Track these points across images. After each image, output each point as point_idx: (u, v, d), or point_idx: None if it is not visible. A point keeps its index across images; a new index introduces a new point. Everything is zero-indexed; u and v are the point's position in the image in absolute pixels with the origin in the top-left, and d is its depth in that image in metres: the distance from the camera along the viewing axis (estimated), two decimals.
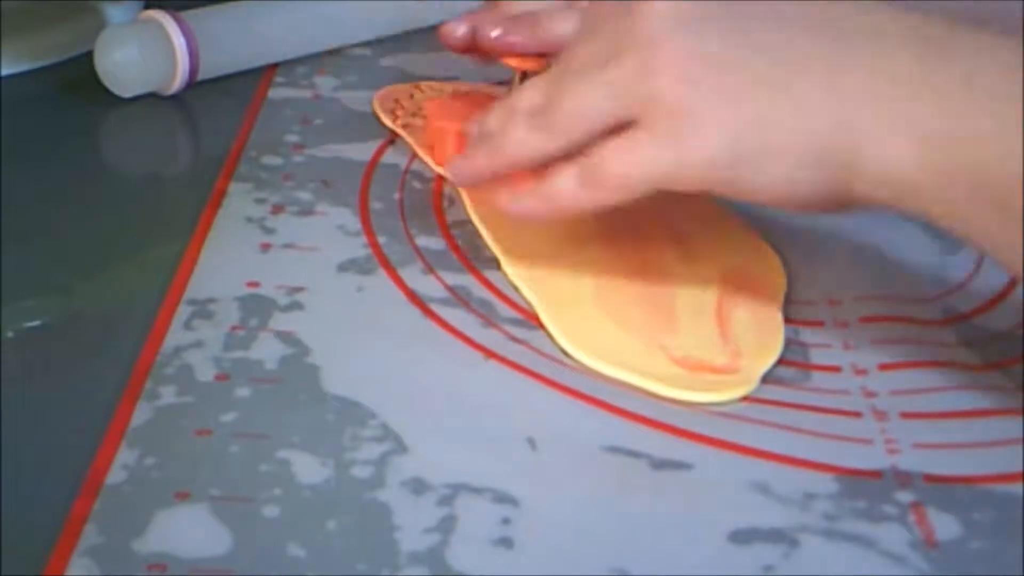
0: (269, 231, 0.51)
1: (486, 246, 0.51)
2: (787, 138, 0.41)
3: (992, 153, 0.38)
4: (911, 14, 0.42)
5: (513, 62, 0.51)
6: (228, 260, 0.50)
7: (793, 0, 0.43)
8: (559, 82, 0.45)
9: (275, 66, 0.65)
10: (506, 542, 0.37)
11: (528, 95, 0.46)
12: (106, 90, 0.61)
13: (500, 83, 0.65)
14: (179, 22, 0.61)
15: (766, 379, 0.44)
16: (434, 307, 0.47)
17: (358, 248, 0.51)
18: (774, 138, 0.41)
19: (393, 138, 0.59)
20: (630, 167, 0.43)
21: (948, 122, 0.39)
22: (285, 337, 0.45)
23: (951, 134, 0.39)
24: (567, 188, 0.44)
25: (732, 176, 0.42)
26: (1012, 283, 0.49)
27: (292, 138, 0.59)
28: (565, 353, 0.45)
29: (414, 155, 0.58)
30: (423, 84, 0.64)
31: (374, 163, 0.57)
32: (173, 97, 0.62)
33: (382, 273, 0.49)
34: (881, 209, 0.41)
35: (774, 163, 0.41)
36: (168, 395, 0.42)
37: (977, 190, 0.39)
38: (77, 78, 0.63)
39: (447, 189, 0.55)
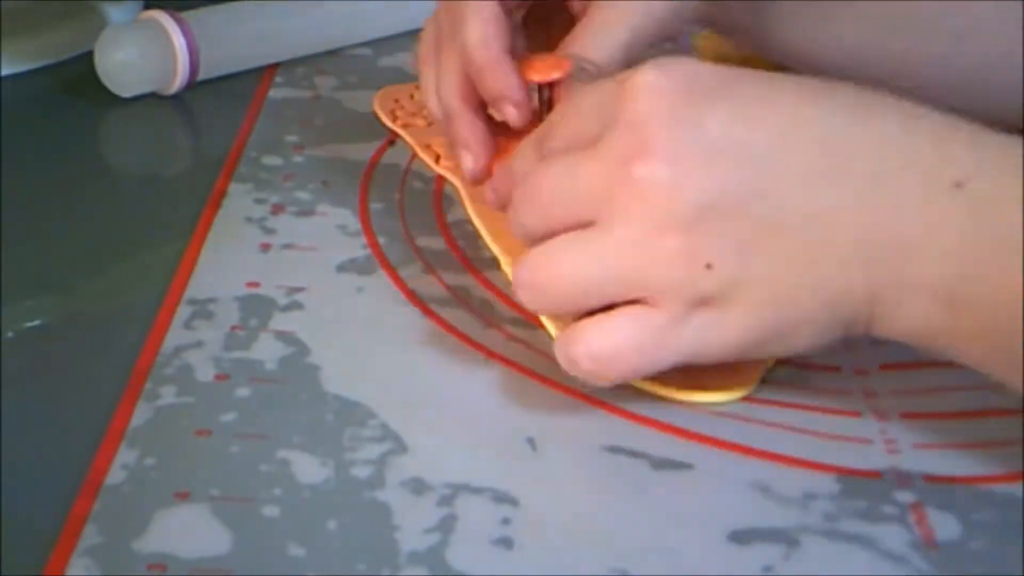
0: (269, 231, 0.51)
1: (486, 246, 0.51)
2: (812, 325, 0.40)
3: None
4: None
5: (535, 76, 0.49)
6: (228, 260, 0.50)
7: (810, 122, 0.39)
8: (543, 162, 0.42)
9: (275, 66, 0.65)
10: (506, 542, 0.37)
11: (526, 163, 0.43)
12: (106, 90, 0.61)
13: None
14: (179, 22, 0.61)
15: (766, 379, 0.44)
16: (434, 307, 0.47)
17: (358, 248, 0.51)
18: (799, 326, 0.40)
19: (393, 138, 0.59)
20: (652, 353, 0.40)
21: (978, 282, 0.37)
22: (285, 337, 0.45)
23: (977, 294, 0.37)
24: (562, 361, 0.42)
25: (751, 354, 0.41)
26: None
27: (292, 138, 0.59)
28: None
29: (414, 155, 0.58)
30: None
31: (374, 163, 0.57)
32: (173, 97, 0.62)
33: (382, 273, 0.49)
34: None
35: (798, 345, 0.40)
36: (168, 395, 0.42)
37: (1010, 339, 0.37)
38: (77, 78, 0.63)
39: (447, 189, 0.55)
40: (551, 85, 0.48)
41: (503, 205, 0.44)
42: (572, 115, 0.42)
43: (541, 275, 0.41)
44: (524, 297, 0.41)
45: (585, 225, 0.40)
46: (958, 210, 0.37)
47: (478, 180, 0.49)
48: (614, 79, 0.41)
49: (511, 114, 0.48)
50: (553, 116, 0.44)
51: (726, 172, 0.38)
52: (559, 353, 0.41)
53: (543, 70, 0.48)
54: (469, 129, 0.49)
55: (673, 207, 0.38)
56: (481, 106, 0.49)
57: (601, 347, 0.40)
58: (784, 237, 0.38)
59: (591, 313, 0.40)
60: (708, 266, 0.38)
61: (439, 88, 0.50)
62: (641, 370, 0.41)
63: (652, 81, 0.39)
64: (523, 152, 0.44)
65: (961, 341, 0.38)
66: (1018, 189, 0.36)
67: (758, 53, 0.59)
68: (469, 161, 0.49)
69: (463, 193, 0.54)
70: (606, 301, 0.40)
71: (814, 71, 0.55)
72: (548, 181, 0.41)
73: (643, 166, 0.38)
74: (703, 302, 0.39)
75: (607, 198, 0.39)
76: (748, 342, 0.40)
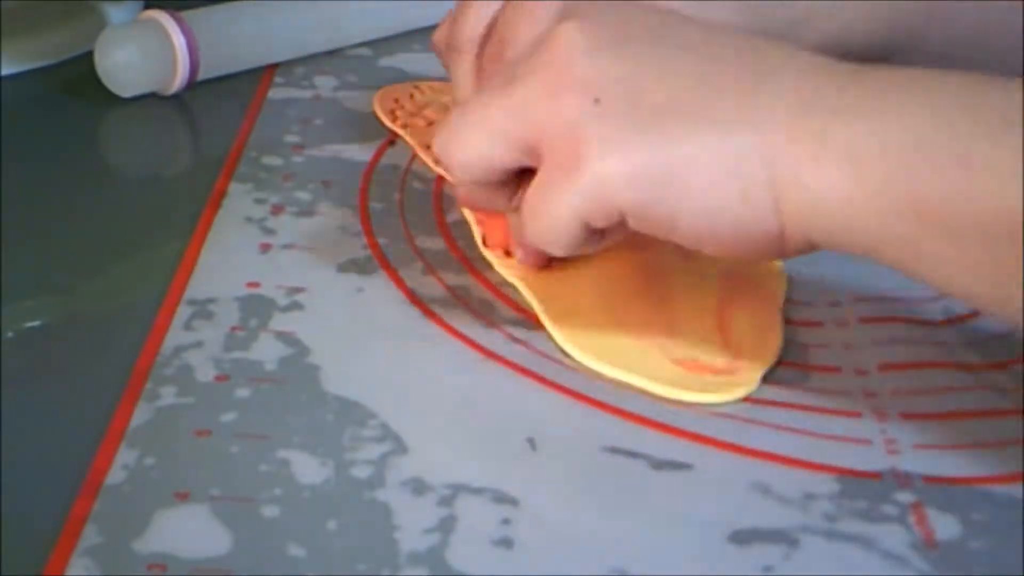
0: (269, 231, 0.51)
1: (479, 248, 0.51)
2: (706, 167, 0.39)
3: (946, 181, 0.36)
4: (825, 57, 0.40)
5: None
6: (228, 260, 0.50)
7: (710, 32, 0.42)
8: (453, 122, 0.43)
9: (275, 66, 0.65)
10: (506, 542, 0.37)
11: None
12: (106, 90, 0.61)
13: None
14: (179, 22, 0.61)
15: (766, 379, 0.44)
16: (434, 307, 0.47)
17: (358, 248, 0.51)
18: (691, 165, 0.39)
19: (393, 138, 0.59)
20: (552, 212, 0.41)
21: (880, 143, 0.37)
22: (285, 337, 0.45)
23: (887, 158, 0.36)
24: (524, 251, 0.45)
25: (648, 205, 0.39)
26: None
27: (292, 138, 0.59)
28: (565, 353, 0.45)
29: (414, 155, 0.58)
30: (423, 84, 0.64)
31: (374, 163, 0.57)
32: (173, 97, 0.62)
33: (382, 274, 0.49)
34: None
35: (692, 193, 0.39)
36: (168, 395, 0.42)
37: (926, 220, 0.36)
38: (77, 78, 0.63)
39: (447, 189, 0.55)
40: None
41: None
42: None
43: (451, 149, 0.43)
44: (445, 164, 0.44)
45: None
46: (853, 84, 0.38)
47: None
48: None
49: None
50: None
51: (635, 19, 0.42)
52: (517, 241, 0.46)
53: None
54: None
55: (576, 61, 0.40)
56: None
57: (544, 223, 0.41)
58: (679, 90, 0.40)
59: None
60: (596, 100, 0.40)
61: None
62: (560, 221, 0.41)
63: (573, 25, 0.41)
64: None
65: (873, 226, 0.37)
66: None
67: None
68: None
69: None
70: (510, 149, 0.42)
71: None
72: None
73: (562, 24, 0.41)
74: (588, 138, 0.40)
75: (528, 61, 0.41)
76: (633, 187, 0.39)
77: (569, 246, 0.42)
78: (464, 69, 0.49)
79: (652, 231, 0.41)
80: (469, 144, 0.42)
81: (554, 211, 0.41)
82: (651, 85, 0.40)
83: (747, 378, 0.44)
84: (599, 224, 0.41)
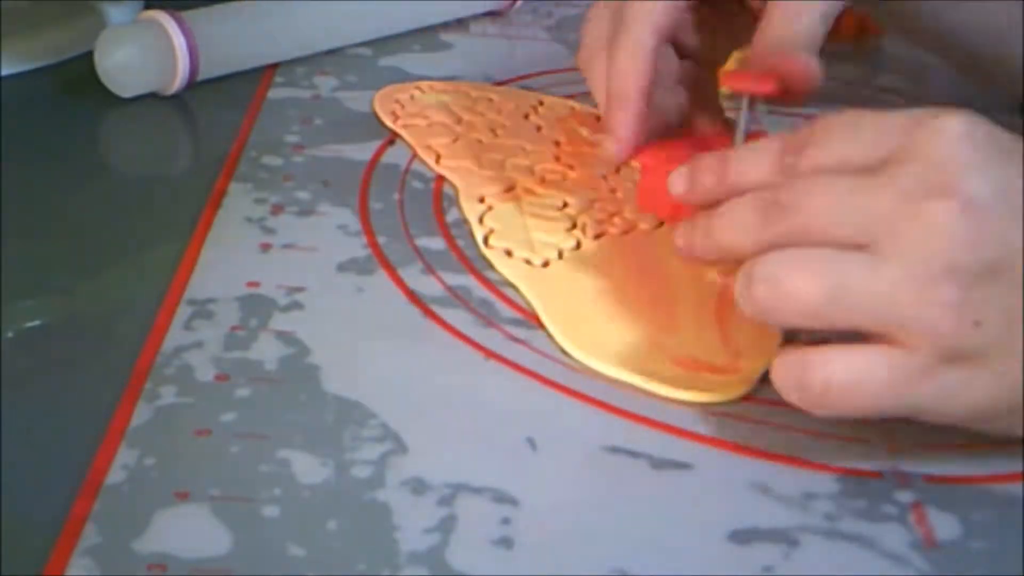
0: (269, 231, 0.51)
1: (478, 247, 0.51)
2: None
3: None
4: None
5: (740, 85, 0.47)
6: (228, 260, 0.50)
7: None
8: (801, 175, 0.40)
9: (275, 66, 0.65)
10: (506, 542, 0.37)
11: (756, 170, 0.41)
12: (106, 90, 0.61)
13: (498, 83, 0.65)
14: (179, 22, 0.61)
15: (766, 378, 0.44)
16: (434, 307, 0.47)
17: (358, 248, 0.51)
18: None
19: (393, 138, 0.59)
20: (865, 397, 0.38)
21: None
22: (285, 337, 0.45)
23: None
24: (783, 388, 0.40)
25: (993, 422, 0.39)
26: None
27: (292, 138, 0.59)
28: (565, 353, 0.45)
29: (414, 155, 0.58)
30: (423, 84, 0.64)
31: (374, 163, 0.57)
32: (173, 97, 0.62)
33: (382, 273, 0.49)
34: None
35: None
36: (168, 395, 0.42)
37: None
38: (77, 78, 0.63)
39: (447, 189, 0.55)
40: (752, 102, 0.47)
41: (701, 200, 0.43)
42: (843, 138, 0.40)
43: (794, 279, 0.38)
44: (760, 292, 0.39)
45: (853, 247, 0.38)
46: None
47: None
48: (905, 114, 0.39)
49: (609, 149, 0.49)
50: (804, 134, 0.41)
51: (1020, 233, 0.37)
52: (784, 374, 0.39)
53: (748, 81, 0.47)
54: (627, 116, 0.49)
55: (960, 256, 0.37)
56: (648, 102, 0.50)
57: (845, 377, 0.38)
58: None
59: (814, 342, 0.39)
60: (977, 323, 0.37)
61: (610, 69, 0.50)
62: (872, 410, 0.39)
63: (961, 126, 0.38)
64: (753, 160, 0.42)
65: None
66: None
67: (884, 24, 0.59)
68: (611, 149, 0.50)
69: (463, 194, 0.54)
70: (848, 327, 0.38)
71: (954, 54, 0.58)
72: (824, 195, 0.39)
73: (941, 204, 0.37)
74: (959, 358, 0.37)
75: (890, 227, 0.37)
76: (993, 408, 0.38)
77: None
78: (627, 119, 0.49)
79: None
80: (829, 200, 0.39)
81: (895, 397, 0.38)
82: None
83: (747, 377, 0.44)
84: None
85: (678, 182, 0.44)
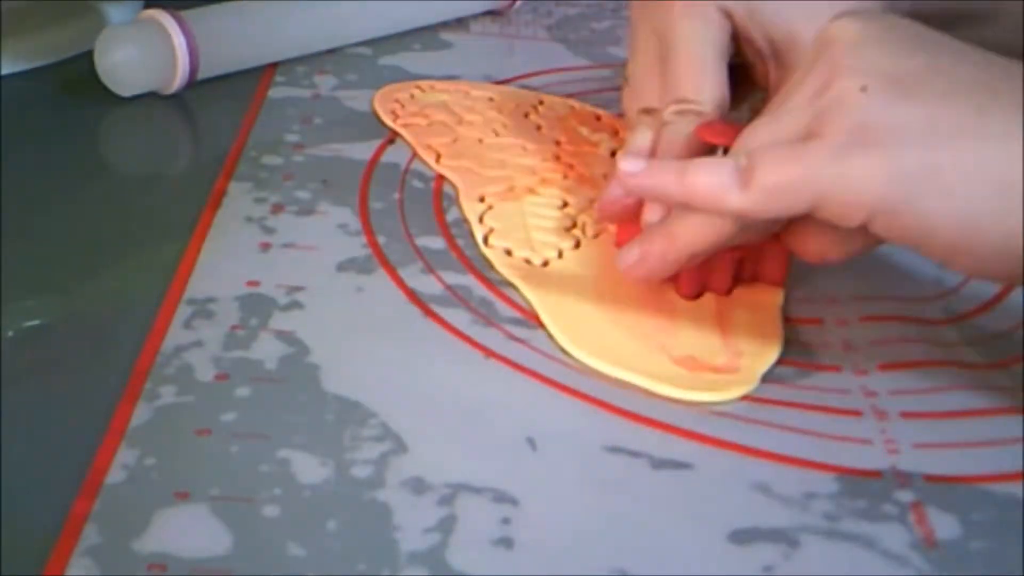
0: (269, 231, 0.51)
1: (478, 246, 0.51)
2: (973, 173, 0.38)
3: None
4: None
5: (710, 137, 0.47)
6: (228, 260, 0.50)
7: (978, 49, 0.41)
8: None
9: (275, 66, 0.65)
10: (506, 542, 0.37)
11: (715, 168, 0.42)
12: (106, 90, 0.61)
13: (498, 83, 0.65)
14: (179, 22, 0.61)
15: (766, 379, 0.44)
16: (434, 307, 0.47)
17: (358, 248, 0.51)
18: (957, 169, 0.38)
19: (393, 138, 0.59)
20: (789, 175, 0.40)
21: None
22: (285, 337, 0.45)
23: None
24: (712, 183, 0.41)
25: (903, 203, 0.39)
26: (1011, 284, 0.49)
27: (292, 138, 0.59)
28: (565, 353, 0.45)
29: (414, 155, 0.58)
30: (423, 84, 0.64)
31: (374, 163, 0.57)
32: (173, 97, 0.62)
33: (382, 273, 0.49)
34: None
35: (955, 200, 0.38)
36: (168, 395, 0.42)
37: None
38: (77, 78, 0.63)
39: (447, 189, 0.55)
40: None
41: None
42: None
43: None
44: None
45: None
46: None
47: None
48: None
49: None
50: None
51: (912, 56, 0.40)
52: (729, 176, 0.41)
53: (723, 133, 0.47)
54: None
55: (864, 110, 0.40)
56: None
57: (779, 175, 0.41)
58: (957, 95, 0.39)
59: None
60: (863, 88, 0.40)
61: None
62: (787, 188, 0.41)
63: (851, 27, 0.41)
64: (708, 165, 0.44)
65: None
66: None
67: None
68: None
69: (462, 194, 0.54)
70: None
71: None
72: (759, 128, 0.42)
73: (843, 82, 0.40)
74: (860, 126, 0.40)
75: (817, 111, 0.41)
76: (890, 187, 0.39)
77: (770, 216, 0.42)
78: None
79: (901, 238, 0.40)
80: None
81: (794, 179, 0.40)
82: (920, 82, 0.40)
83: (747, 377, 0.44)
84: (834, 219, 0.41)
85: (631, 174, 0.45)
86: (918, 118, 0.39)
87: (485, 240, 0.51)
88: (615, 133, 0.60)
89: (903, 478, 0.41)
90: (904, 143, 0.39)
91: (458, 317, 0.47)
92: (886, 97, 0.40)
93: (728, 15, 0.50)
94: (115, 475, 0.39)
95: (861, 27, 0.41)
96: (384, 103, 0.61)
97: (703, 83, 0.49)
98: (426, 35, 0.70)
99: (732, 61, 0.51)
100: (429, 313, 0.47)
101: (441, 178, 0.56)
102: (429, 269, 0.50)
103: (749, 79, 0.52)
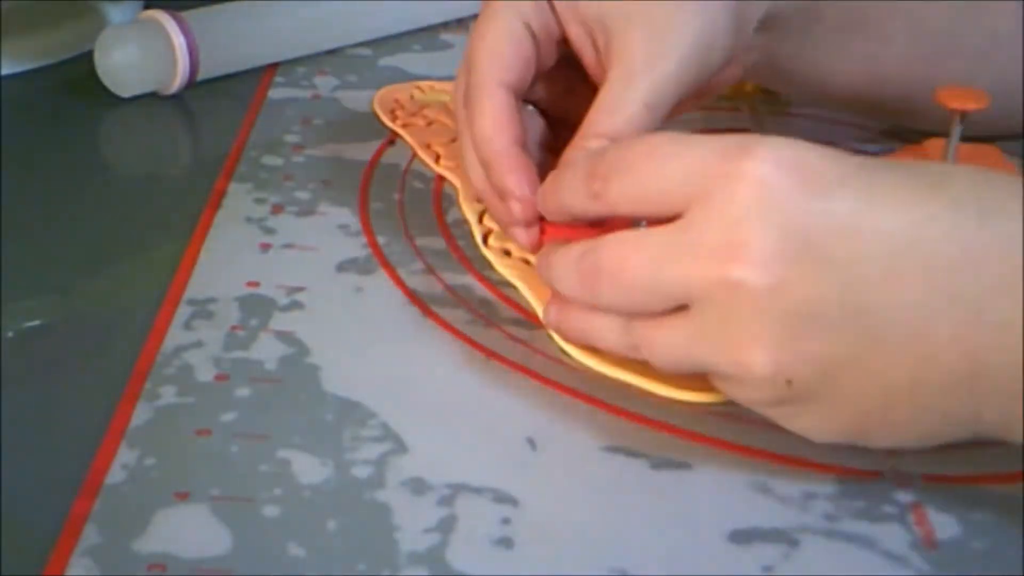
0: (269, 231, 0.51)
1: (476, 246, 0.51)
2: (905, 419, 0.38)
3: None
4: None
5: (953, 102, 0.46)
6: (228, 260, 0.50)
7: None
8: (610, 205, 0.40)
9: (275, 66, 0.65)
10: (506, 542, 0.37)
11: (572, 195, 0.41)
12: (106, 90, 0.61)
13: None
14: (179, 22, 0.61)
15: None
16: (434, 307, 0.47)
17: (358, 248, 0.51)
18: (884, 415, 0.38)
19: (393, 138, 0.59)
20: (676, 359, 0.39)
21: None
22: (285, 337, 0.45)
23: None
24: (610, 340, 0.41)
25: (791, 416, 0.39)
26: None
27: (292, 138, 0.59)
28: (565, 353, 0.45)
29: (414, 155, 0.58)
30: (423, 84, 0.64)
31: (374, 163, 0.57)
32: (173, 97, 0.62)
33: (382, 273, 0.49)
34: None
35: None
36: (168, 395, 0.42)
37: None
38: (77, 78, 0.63)
39: (447, 189, 0.55)
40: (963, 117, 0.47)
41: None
42: (648, 171, 0.39)
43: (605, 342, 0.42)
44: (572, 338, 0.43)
45: (671, 307, 0.39)
46: None
47: (531, 234, 0.45)
48: (714, 147, 0.38)
49: (516, 210, 0.45)
50: (611, 158, 0.40)
51: (829, 285, 0.36)
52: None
53: (963, 98, 0.47)
54: (511, 169, 0.45)
55: (766, 317, 0.37)
56: (523, 146, 0.47)
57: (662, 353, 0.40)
58: (882, 355, 0.37)
59: None
60: (789, 382, 0.37)
61: (473, 138, 0.47)
62: (676, 366, 0.40)
63: (762, 172, 0.37)
64: (573, 188, 0.41)
65: None
66: None
67: (770, 83, 0.58)
68: (517, 209, 0.45)
69: (462, 194, 0.54)
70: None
71: (835, 95, 0.55)
72: (633, 265, 0.39)
73: (741, 270, 0.36)
74: (780, 403, 0.38)
75: (700, 291, 0.37)
76: (834, 433, 0.39)
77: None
78: (514, 176, 0.45)
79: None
80: (633, 260, 0.39)
81: (682, 362, 0.39)
82: (850, 356, 0.37)
83: None
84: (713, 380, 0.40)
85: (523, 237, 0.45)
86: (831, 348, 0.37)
87: (485, 240, 0.51)
88: None
89: (903, 478, 0.41)
90: (837, 407, 0.38)
91: (458, 317, 0.47)
92: (794, 300, 0.37)
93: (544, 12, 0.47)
94: (115, 475, 0.39)
95: (774, 174, 0.37)
96: (384, 104, 0.61)
97: (500, 136, 0.46)
98: (426, 35, 0.70)
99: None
100: (429, 313, 0.47)
101: (441, 178, 0.56)
102: (429, 269, 0.50)
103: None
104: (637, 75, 0.45)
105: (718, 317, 0.37)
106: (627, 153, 0.40)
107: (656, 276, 0.38)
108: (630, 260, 0.39)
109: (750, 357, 0.37)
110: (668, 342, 0.39)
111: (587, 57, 0.48)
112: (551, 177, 0.43)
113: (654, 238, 0.38)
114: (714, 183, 0.37)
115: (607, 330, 0.41)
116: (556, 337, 0.46)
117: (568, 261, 0.41)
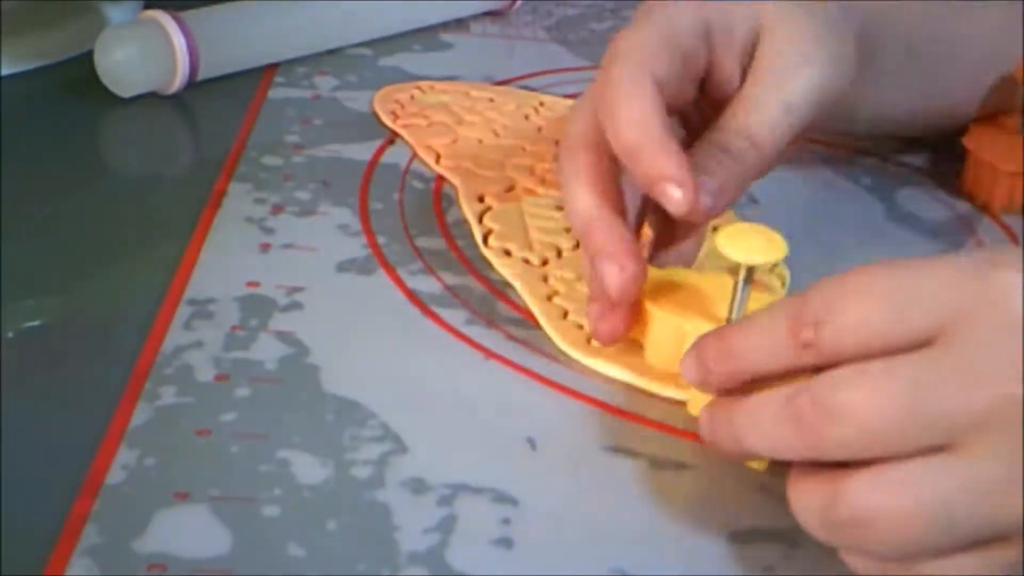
0: (269, 231, 0.51)
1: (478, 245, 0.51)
2: None
3: None
4: None
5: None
6: (228, 260, 0.50)
7: None
8: (829, 358, 0.35)
9: (275, 66, 0.65)
10: (506, 542, 0.37)
11: (769, 354, 0.37)
12: (106, 90, 0.61)
13: (498, 83, 0.65)
14: (179, 22, 0.61)
15: None
16: (434, 307, 0.47)
17: (358, 248, 0.51)
18: None
19: (393, 138, 0.59)
20: (944, 510, 0.33)
21: None
22: (285, 337, 0.45)
23: None
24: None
25: None
26: None
27: (292, 138, 0.59)
28: (565, 353, 0.45)
29: (414, 155, 0.58)
30: (423, 85, 0.64)
31: (374, 163, 0.57)
32: (173, 97, 0.62)
33: (382, 273, 0.49)
34: None
35: None
36: (168, 395, 0.42)
37: None
38: (77, 78, 0.63)
39: (447, 189, 0.55)
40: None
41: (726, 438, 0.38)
42: (871, 306, 0.35)
43: (890, 514, 0.33)
44: (852, 534, 0.34)
45: (931, 450, 0.34)
46: None
47: (622, 299, 0.42)
48: (950, 268, 0.35)
49: (675, 197, 0.40)
50: (815, 302, 0.36)
51: None
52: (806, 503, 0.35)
53: None
54: (608, 235, 0.42)
55: None
56: (623, 214, 0.43)
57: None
58: None
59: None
60: None
61: (574, 187, 0.43)
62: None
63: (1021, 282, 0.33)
64: (760, 339, 0.37)
65: None
66: None
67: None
68: (614, 273, 0.42)
69: (462, 194, 0.54)
70: (963, 541, 0.34)
71: (890, 121, 0.57)
72: (874, 396, 0.33)
73: None
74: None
75: (974, 423, 0.33)
76: None
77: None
78: (575, 168, 0.43)
79: None
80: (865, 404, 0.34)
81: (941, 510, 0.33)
82: None
83: None
84: None
85: (689, 370, 0.39)
86: None
87: (485, 240, 0.51)
88: None
89: None
90: None
91: (458, 317, 0.47)
92: None
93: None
94: (115, 475, 0.39)
95: None
96: (384, 104, 0.61)
97: (650, 118, 0.42)
98: (426, 35, 0.70)
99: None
100: (429, 313, 0.47)
101: (441, 178, 0.56)
102: (429, 269, 0.50)
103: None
104: (782, 76, 0.45)
105: (1003, 448, 0.33)
106: (836, 292, 0.35)
107: (916, 411, 0.33)
108: (865, 393, 0.34)
109: None
110: (935, 490, 0.33)
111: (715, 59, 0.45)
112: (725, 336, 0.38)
113: (903, 370, 0.34)
114: (972, 302, 0.34)
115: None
116: (554, 337, 0.46)
117: (772, 410, 0.36)
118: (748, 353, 0.37)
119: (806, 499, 0.35)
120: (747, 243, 0.41)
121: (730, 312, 0.42)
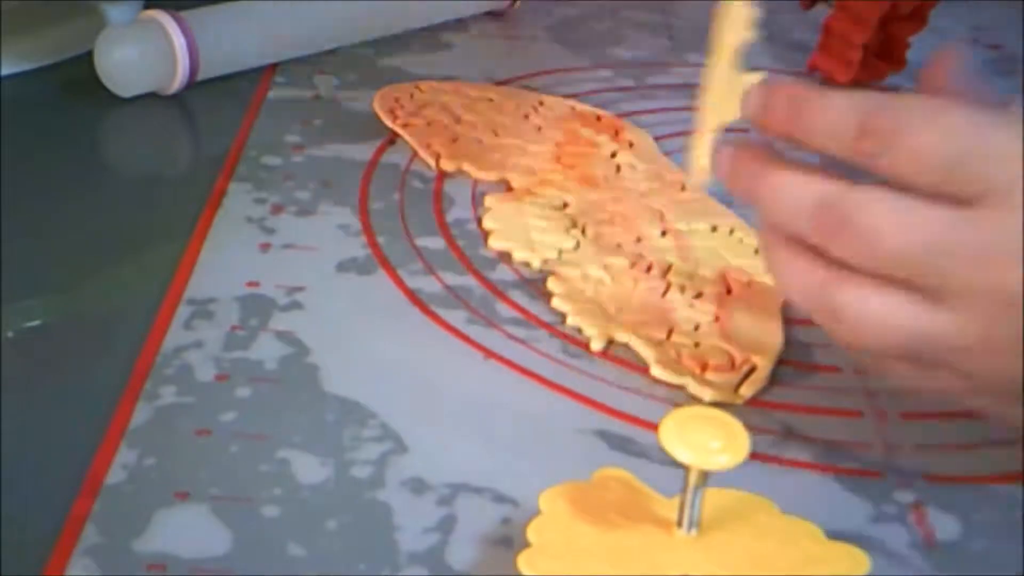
0: (269, 231, 0.51)
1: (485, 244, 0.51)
2: None
3: None
4: None
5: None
6: (228, 260, 0.50)
7: None
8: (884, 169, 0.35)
9: (275, 66, 0.65)
10: (506, 542, 0.37)
11: (831, 138, 0.36)
12: (106, 90, 0.61)
13: (498, 83, 0.65)
14: (179, 22, 0.61)
15: (766, 379, 0.44)
16: (434, 307, 0.47)
17: (358, 248, 0.51)
18: None
19: (393, 138, 0.59)
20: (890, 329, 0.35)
21: None
22: (285, 337, 0.45)
23: None
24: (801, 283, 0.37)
25: None
26: None
27: (292, 138, 0.59)
28: (565, 353, 0.45)
29: (414, 155, 0.58)
30: (423, 84, 0.64)
31: (374, 163, 0.57)
32: (173, 97, 0.62)
33: (382, 273, 0.49)
34: None
35: None
36: (168, 395, 0.42)
37: None
38: (77, 78, 0.63)
39: (447, 189, 0.55)
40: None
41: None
42: (939, 147, 0.34)
43: (876, 320, 0.36)
44: (838, 326, 0.37)
45: (927, 293, 0.35)
46: None
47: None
48: (1010, 128, 0.34)
49: None
50: (890, 116, 0.35)
51: None
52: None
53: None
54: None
55: None
56: None
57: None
58: None
59: None
60: None
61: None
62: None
63: None
64: (830, 121, 0.36)
65: None
66: None
67: None
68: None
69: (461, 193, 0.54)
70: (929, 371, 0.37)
71: None
72: (908, 243, 0.35)
73: None
74: None
75: (974, 291, 0.34)
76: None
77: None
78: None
79: None
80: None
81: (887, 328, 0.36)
82: None
83: (747, 377, 0.44)
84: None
85: (753, 99, 0.38)
86: None
87: (485, 240, 0.51)
88: (616, 134, 0.60)
89: (903, 478, 0.41)
90: None
91: (458, 317, 0.47)
92: None
93: None
94: (115, 475, 0.39)
95: None
96: (384, 103, 0.61)
97: None
98: (426, 35, 0.70)
99: None
100: (429, 313, 0.47)
101: (441, 178, 0.56)
102: (429, 269, 0.50)
103: None
104: None
105: (991, 318, 0.34)
106: (916, 115, 0.35)
107: (930, 261, 0.34)
108: (899, 236, 0.34)
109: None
110: (913, 326, 0.35)
111: None
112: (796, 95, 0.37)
113: (937, 226, 0.34)
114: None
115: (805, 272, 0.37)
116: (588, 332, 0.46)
117: (802, 205, 0.36)
118: (812, 122, 0.37)
119: (799, 275, 0.37)
120: (700, 436, 0.35)
121: (680, 518, 0.36)
